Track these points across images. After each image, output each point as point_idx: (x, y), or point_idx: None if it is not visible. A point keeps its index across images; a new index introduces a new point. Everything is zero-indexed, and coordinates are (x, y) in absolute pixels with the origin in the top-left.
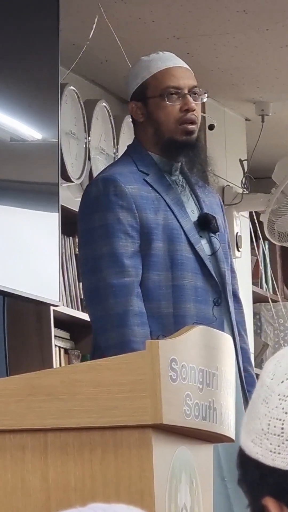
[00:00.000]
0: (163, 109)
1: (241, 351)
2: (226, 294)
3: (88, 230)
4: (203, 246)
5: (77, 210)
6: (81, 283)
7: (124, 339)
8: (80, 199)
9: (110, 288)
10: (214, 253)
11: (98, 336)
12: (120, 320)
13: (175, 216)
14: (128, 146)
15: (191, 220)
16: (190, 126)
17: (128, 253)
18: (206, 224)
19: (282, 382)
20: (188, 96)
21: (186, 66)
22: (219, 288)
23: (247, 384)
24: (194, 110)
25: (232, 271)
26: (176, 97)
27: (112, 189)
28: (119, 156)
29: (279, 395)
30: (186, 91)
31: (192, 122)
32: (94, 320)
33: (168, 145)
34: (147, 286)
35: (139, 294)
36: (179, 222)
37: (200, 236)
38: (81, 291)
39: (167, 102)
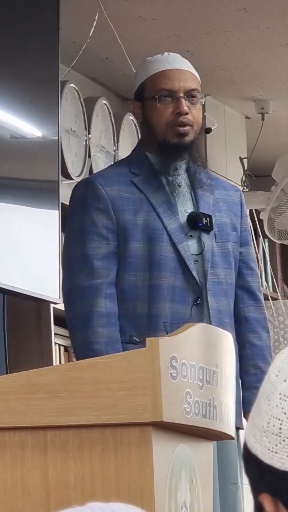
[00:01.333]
0: (155, 111)
1: (254, 349)
2: (207, 293)
3: (67, 232)
4: (190, 246)
5: None
6: None
7: (87, 340)
8: None
9: (78, 289)
10: (200, 252)
11: (71, 336)
12: (84, 321)
13: (159, 216)
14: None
15: (179, 220)
16: (182, 129)
17: (99, 254)
18: (195, 223)
19: (285, 380)
20: (182, 99)
21: (188, 68)
22: (199, 287)
23: (256, 381)
24: (186, 113)
25: (250, 268)
26: (169, 99)
27: (90, 192)
28: (119, 154)
29: (280, 394)
30: (181, 94)
31: (184, 125)
32: (67, 321)
33: (161, 147)
34: (122, 286)
35: (109, 295)
36: (162, 222)
37: (191, 236)
38: None
39: (159, 105)
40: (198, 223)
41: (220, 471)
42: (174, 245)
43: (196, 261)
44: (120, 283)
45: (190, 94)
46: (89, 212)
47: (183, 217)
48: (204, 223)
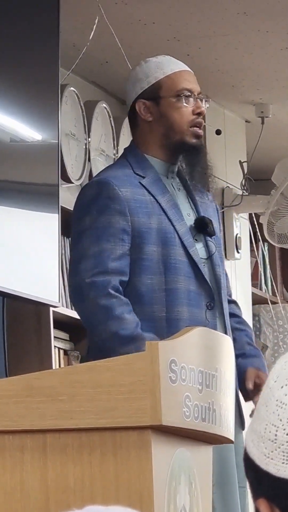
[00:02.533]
0: (177, 110)
1: (242, 333)
2: (220, 298)
3: (79, 232)
4: (198, 250)
5: None
6: None
7: (114, 329)
8: None
9: (92, 285)
10: (210, 256)
11: (90, 334)
12: (105, 313)
13: (169, 220)
14: (125, 149)
15: (187, 223)
16: (200, 130)
17: (115, 255)
18: (203, 227)
19: (282, 387)
20: (198, 100)
21: (192, 72)
22: (212, 292)
23: (251, 355)
24: (204, 114)
25: (226, 274)
26: (189, 99)
27: (106, 192)
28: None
29: (277, 400)
30: (196, 95)
31: (201, 126)
32: (82, 319)
33: (176, 147)
34: (139, 290)
35: (122, 292)
36: (173, 226)
37: (196, 240)
38: None
39: (184, 104)
40: (206, 227)
41: (231, 474)
42: (186, 249)
43: (204, 264)
44: (137, 286)
45: (199, 97)
46: (105, 212)
47: (188, 221)
48: (210, 227)
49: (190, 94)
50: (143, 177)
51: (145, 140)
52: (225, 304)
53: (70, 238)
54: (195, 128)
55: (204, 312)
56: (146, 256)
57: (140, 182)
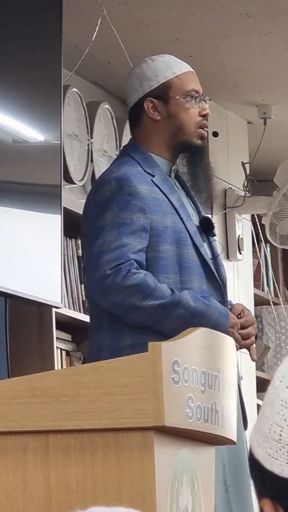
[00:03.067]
0: (186, 111)
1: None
2: (227, 297)
3: (100, 227)
4: (206, 250)
5: (79, 212)
6: (83, 285)
7: (155, 303)
8: (83, 200)
9: (116, 271)
10: (215, 257)
11: (127, 316)
12: (141, 290)
13: (181, 219)
14: (125, 147)
15: (194, 223)
16: (205, 132)
17: (135, 249)
18: (208, 227)
19: (287, 387)
20: (203, 101)
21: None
22: (222, 291)
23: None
24: (209, 115)
25: None
26: (196, 100)
27: (127, 189)
28: None
29: (282, 400)
30: (201, 97)
31: (205, 127)
32: (114, 307)
33: (181, 147)
34: None
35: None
36: (184, 225)
37: (202, 240)
38: (83, 293)
39: (193, 105)
40: (211, 228)
41: (245, 474)
42: (197, 249)
43: (211, 264)
44: None
45: (202, 98)
46: (126, 209)
47: (194, 221)
48: (214, 227)
49: (197, 95)
50: (153, 176)
51: (150, 139)
52: (228, 304)
53: (85, 234)
54: (201, 130)
55: None
56: (162, 255)
57: (152, 180)
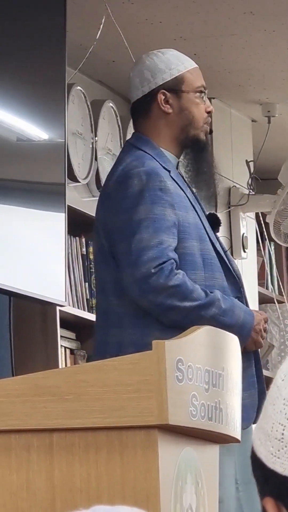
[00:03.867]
0: (196, 106)
1: None
2: (243, 291)
3: (133, 222)
4: (219, 245)
5: (83, 210)
6: (87, 283)
7: (194, 304)
8: (87, 199)
9: (159, 270)
10: (225, 252)
11: (165, 315)
12: (181, 291)
13: (198, 215)
14: (133, 141)
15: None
16: (208, 127)
17: (171, 247)
18: (216, 224)
19: None
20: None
21: None
22: (239, 285)
23: None
24: (212, 112)
25: None
26: (204, 96)
27: (158, 183)
28: None
29: (284, 399)
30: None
31: (208, 124)
32: (154, 306)
33: (189, 142)
34: None
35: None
36: (201, 221)
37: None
38: (87, 291)
39: (202, 100)
40: (219, 224)
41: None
42: (213, 245)
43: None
44: None
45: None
46: (160, 204)
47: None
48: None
49: (205, 91)
50: (169, 171)
51: (159, 132)
52: (246, 299)
53: (116, 227)
54: (206, 126)
55: None
56: (189, 251)
57: (170, 176)
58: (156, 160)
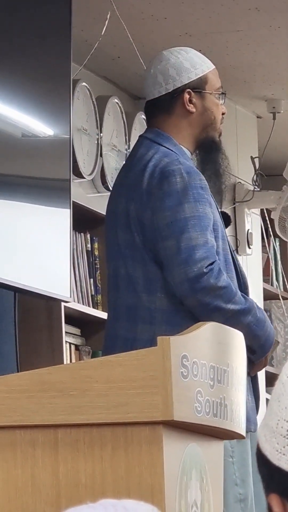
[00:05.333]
0: (217, 107)
1: None
2: (248, 290)
3: (180, 220)
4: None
5: (88, 206)
6: (92, 279)
7: (237, 308)
8: (92, 195)
9: (210, 271)
10: (232, 251)
11: (210, 315)
12: (227, 294)
13: (219, 212)
14: (154, 137)
15: None
16: (221, 129)
17: (215, 246)
18: (228, 222)
19: None
20: None
21: None
22: (242, 286)
23: None
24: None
25: None
26: (223, 98)
27: (198, 182)
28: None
29: None
30: None
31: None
32: (202, 305)
33: (207, 142)
34: None
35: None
36: (220, 219)
37: None
38: (92, 288)
39: (221, 102)
40: (229, 222)
41: None
42: (228, 243)
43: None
44: None
45: None
46: (202, 202)
47: None
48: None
49: (224, 93)
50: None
51: (179, 130)
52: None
53: (161, 225)
54: (221, 127)
55: None
56: (218, 250)
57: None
58: (180, 158)
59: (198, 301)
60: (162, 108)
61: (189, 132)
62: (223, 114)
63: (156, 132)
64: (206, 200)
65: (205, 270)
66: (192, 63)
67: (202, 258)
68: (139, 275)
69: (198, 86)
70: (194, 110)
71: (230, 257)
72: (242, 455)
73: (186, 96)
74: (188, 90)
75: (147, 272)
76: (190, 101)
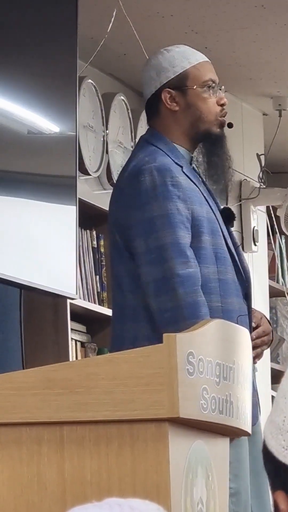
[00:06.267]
0: (204, 100)
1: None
2: (251, 287)
3: (147, 219)
4: (230, 241)
5: (94, 203)
6: (97, 276)
7: None
8: (98, 192)
9: (177, 278)
10: (237, 247)
11: (166, 327)
12: (191, 311)
13: (212, 209)
14: (147, 137)
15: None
16: (224, 119)
17: (188, 243)
18: (230, 218)
19: None
20: (220, 91)
21: None
22: (245, 283)
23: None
24: (226, 104)
25: None
26: (214, 90)
27: (169, 179)
28: None
29: None
30: (218, 86)
31: (224, 116)
32: (161, 311)
33: (201, 136)
34: None
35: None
36: (215, 215)
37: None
38: (98, 284)
39: (211, 94)
40: (233, 218)
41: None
42: (225, 240)
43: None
44: None
45: (219, 87)
46: (172, 200)
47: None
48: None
49: (214, 85)
50: (181, 166)
51: (169, 129)
52: (252, 297)
53: (131, 225)
54: (221, 118)
55: (244, 303)
56: (203, 245)
57: (183, 171)
58: (168, 156)
59: (161, 302)
60: (151, 109)
61: (178, 130)
62: (221, 105)
63: (151, 132)
64: (178, 197)
65: (174, 272)
66: (171, 62)
67: (166, 260)
68: (123, 274)
69: (178, 84)
70: (177, 108)
71: (224, 251)
72: (235, 448)
73: (166, 95)
74: (167, 89)
75: (129, 271)
76: (173, 99)
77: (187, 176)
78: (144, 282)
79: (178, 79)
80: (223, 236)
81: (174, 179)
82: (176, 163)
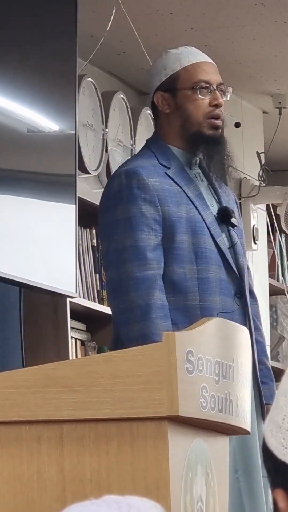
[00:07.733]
0: (193, 102)
1: (257, 344)
2: (244, 287)
3: (111, 223)
4: (224, 239)
5: (94, 201)
6: (97, 275)
7: (146, 332)
8: (97, 190)
9: (132, 280)
10: (232, 246)
11: (120, 328)
12: (142, 313)
13: (197, 209)
14: (148, 140)
15: (212, 213)
16: (217, 121)
17: (151, 246)
18: (226, 217)
19: None
20: (217, 91)
21: (214, 63)
22: (239, 280)
23: (263, 376)
24: (222, 105)
25: (248, 267)
26: (206, 91)
27: (135, 182)
28: (136, 148)
29: None
30: (215, 87)
31: (219, 118)
32: (116, 313)
33: (193, 138)
34: (172, 278)
35: (162, 287)
36: (201, 215)
37: (220, 230)
38: (98, 283)
39: (199, 96)
40: (229, 217)
41: (256, 463)
42: (213, 239)
43: (230, 254)
44: (169, 276)
45: (219, 88)
46: (136, 203)
47: (213, 211)
48: (233, 217)
49: (207, 85)
50: (168, 168)
51: (166, 131)
52: (248, 294)
53: (99, 228)
54: (212, 120)
55: (233, 301)
56: (177, 245)
57: (166, 173)
58: (156, 158)
59: (115, 304)
60: (152, 112)
61: (172, 131)
62: (215, 105)
63: (154, 134)
64: (143, 200)
65: (129, 275)
66: (164, 65)
67: (124, 261)
68: (108, 276)
69: (169, 86)
70: (168, 110)
71: (207, 249)
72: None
73: (158, 98)
74: (159, 92)
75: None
76: (165, 101)
77: (170, 177)
78: (106, 284)
79: (169, 81)
80: (211, 235)
81: (140, 181)
82: (163, 165)
